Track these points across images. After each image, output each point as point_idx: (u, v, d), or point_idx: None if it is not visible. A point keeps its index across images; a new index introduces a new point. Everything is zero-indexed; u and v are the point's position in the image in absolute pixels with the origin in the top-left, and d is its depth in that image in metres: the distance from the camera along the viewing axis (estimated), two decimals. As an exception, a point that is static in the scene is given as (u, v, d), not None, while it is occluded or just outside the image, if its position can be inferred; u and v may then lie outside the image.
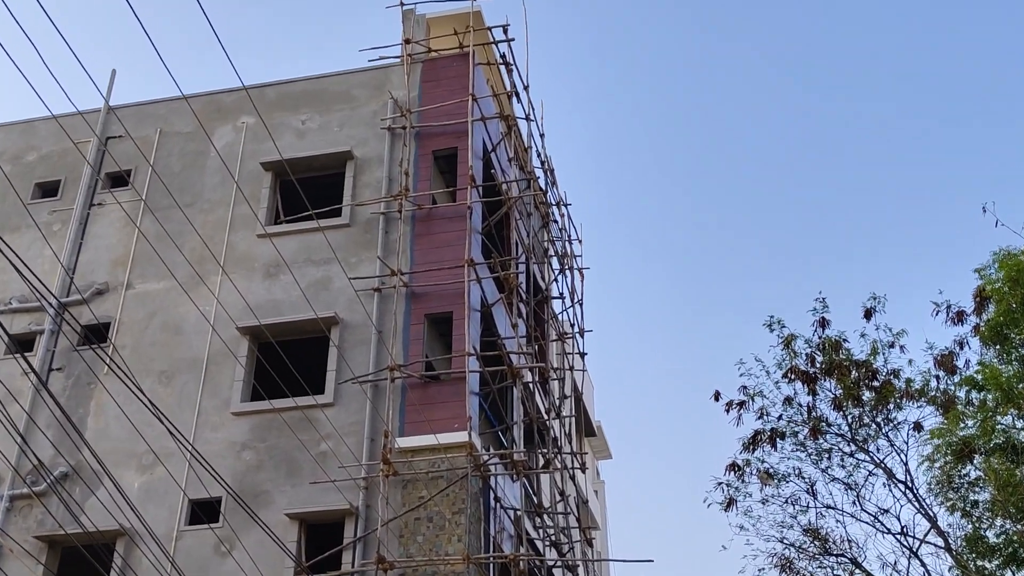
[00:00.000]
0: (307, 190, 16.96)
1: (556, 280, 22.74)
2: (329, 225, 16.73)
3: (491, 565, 14.34)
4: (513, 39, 19.03)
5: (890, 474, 18.03)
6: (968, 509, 17.02)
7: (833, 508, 18.44)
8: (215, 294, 16.05)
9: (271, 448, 15.12)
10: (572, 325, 22.85)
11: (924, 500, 17.68)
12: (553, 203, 23.12)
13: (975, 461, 16.50)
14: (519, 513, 15.73)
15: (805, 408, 18.60)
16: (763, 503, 18.66)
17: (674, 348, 73.20)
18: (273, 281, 16.57)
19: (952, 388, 17.59)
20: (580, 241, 24.58)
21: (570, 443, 22.02)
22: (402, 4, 19.25)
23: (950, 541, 17.20)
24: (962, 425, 16.61)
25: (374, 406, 14.88)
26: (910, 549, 17.72)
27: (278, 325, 15.85)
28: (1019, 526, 15.66)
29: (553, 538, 17.95)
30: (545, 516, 18.25)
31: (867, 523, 18.12)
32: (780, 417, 18.73)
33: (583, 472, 22.17)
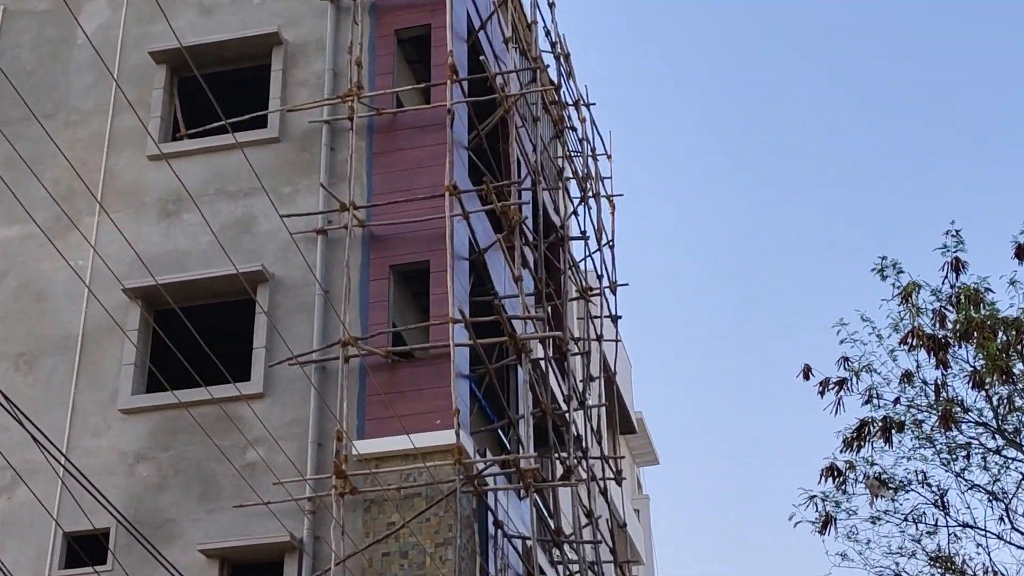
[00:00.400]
0: (217, 91, 16.84)
1: (576, 213, 22.77)
2: (251, 141, 16.73)
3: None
4: None
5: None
6: None
7: (973, 527, 18.55)
8: (91, 242, 16.05)
9: (178, 459, 15.23)
10: (600, 277, 22.89)
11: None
12: (570, 103, 23.07)
13: None
14: (529, 543, 15.87)
15: (932, 387, 18.60)
16: (873, 522, 18.76)
17: (742, 307, 73.55)
18: (173, 223, 16.59)
19: None
20: (609, 157, 24.60)
21: (600, 444, 22.16)
22: None
23: None
24: None
25: (321, 397, 14.95)
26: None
27: (182, 285, 15.89)
28: None
29: (578, 577, 18.13)
30: (566, 546, 18.38)
31: (1022, 547, 18.24)
32: (897, 400, 18.72)
33: (619, 484, 22.31)
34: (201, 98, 16.30)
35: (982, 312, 18.10)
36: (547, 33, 21.97)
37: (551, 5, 21.82)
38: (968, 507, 18.80)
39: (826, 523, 18.36)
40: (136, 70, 17.69)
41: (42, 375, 16.00)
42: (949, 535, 18.57)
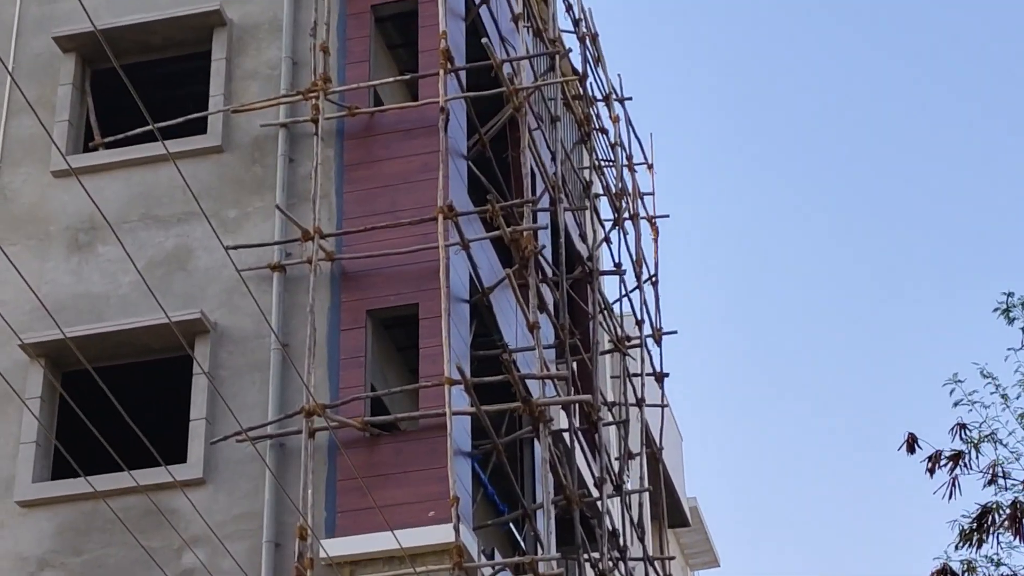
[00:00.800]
0: (143, 88, 16.95)
1: (608, 240, 22.80)
2: (186, 151, 16.80)
3: None
4: None
5: None
6: None
7: None
8: (-21, 284, 16.12)
9: (93, 566, 15.21)
10: (640, 323, 22.89)
11: None
12: (599, 98, 23.15)
13: None
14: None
15: (1075, 463, 18.55)
16: (1001, 642, 18.66)
17: (823, 362, 73.39)
18: (85, 258, 16.66)
19: None
20: (651, 167, 24.67)
21: (643, 541, 22.11)
22: None
23: None
24: None
25: (279, 483, 14.95)
26: None
27: (98, 338, 15.93)
28: None
29: None
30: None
31: None
32: (1030, 481, 18.67)
33: (668, 593, 22.22)
34: (122, 97, 16.40)
35: None
36: (568, 8, 22.10)
37: (573, -28, 21.98)
38: None
39: (939, 643, 18.27)
40: (37, 61, 17.81)
41: (-84, 457, 16.01)
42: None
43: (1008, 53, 69.69)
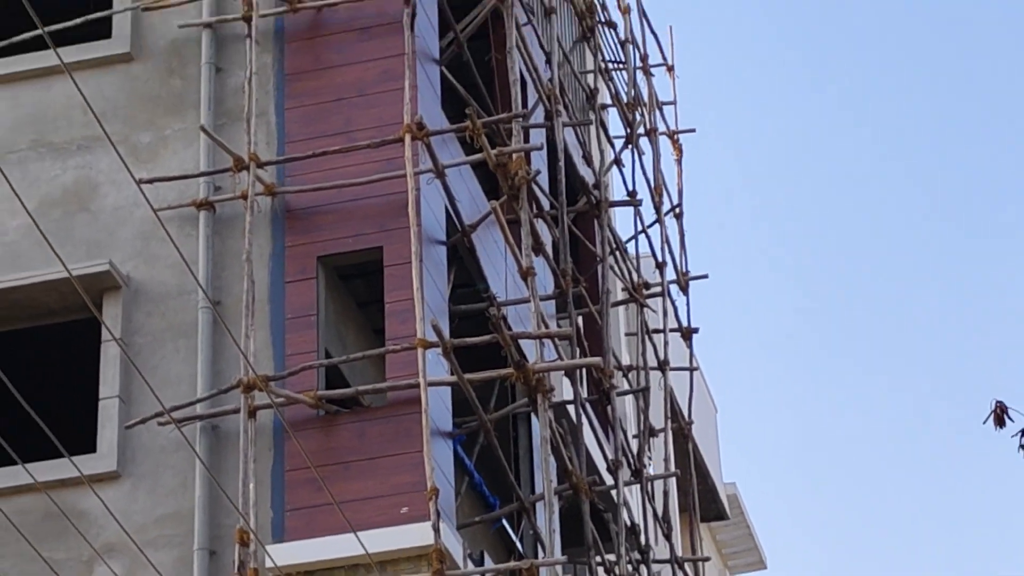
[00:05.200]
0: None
1: (619, 163, 22.76)
2: (87, 61, 16.87)
3: None
4: None
5: None
6: None
7: None
8: None
9: (-17, 582, 15.22)
10: (662, 266, 22.88)
11: None
12: (604, -17, 23.04)
13: None
14: None
15: None
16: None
17: (888, 315, 73.43)
18: (-35, 197, 16.62)
19: None
20: (671, 70, 24.59)
21: (670, 539, 22.17)
22: None
23: None
24: None
25: (212, 476, 14.98)
26: None
27: (-17, 298, 15.97)
28: None
29: None
30: None
31: None
32: None
33: (702, 602, 22.27)
34: (4, -5, 16.37)
35: None
36: None
37: None
38: None
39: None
40: None
41: None
42: None
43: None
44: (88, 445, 15.60)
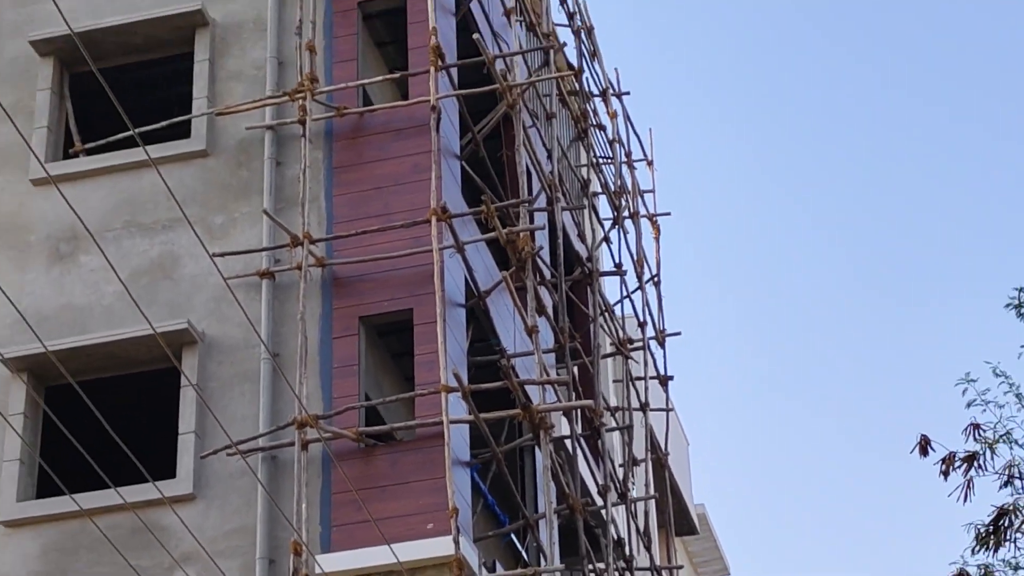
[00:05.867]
0: (123, 92, 17.01)
1: (608, 240, 22.81)
2: (169, 156, 16.83)
3: None
4: None
5: None
6: None
7: None
8: (-41, 298, 16.13)
9: (80, 585, 15.22)
10: (643, 325, 22.89)
11: None
12: (596, 93, 23.16)
13: None
14: None
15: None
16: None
17: (832, 361, 73.40)
18: (67, 268, 16.69)
19: None
20: (650, 163, 24.65)
21: (650, 550, 22.17)
22: None
23: None
24: None
25: (271, 498, 14.98)
26: None
27: (82, 351, 15.95)
28: None
29: None
30: None
31: None
32: (1047, 481, 18.67)
33: (676, 604, 22.23)
34: (102, 101, 16.41)
35: None
36: (562, 1, 22.10)
37: (567, -37, 22.01)
38: None
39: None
40: (14, 66, 17.84)
41: (-102, 477, 16.03)
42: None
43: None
44: (169, 472, 15.59)
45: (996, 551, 18.32)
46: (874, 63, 73.10)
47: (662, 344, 23.31)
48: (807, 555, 70.47)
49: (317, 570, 14.52)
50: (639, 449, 22.74)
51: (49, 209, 16.94)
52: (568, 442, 18.70)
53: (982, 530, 18.36)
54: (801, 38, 75.11)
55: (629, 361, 22.27)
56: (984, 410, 18.78)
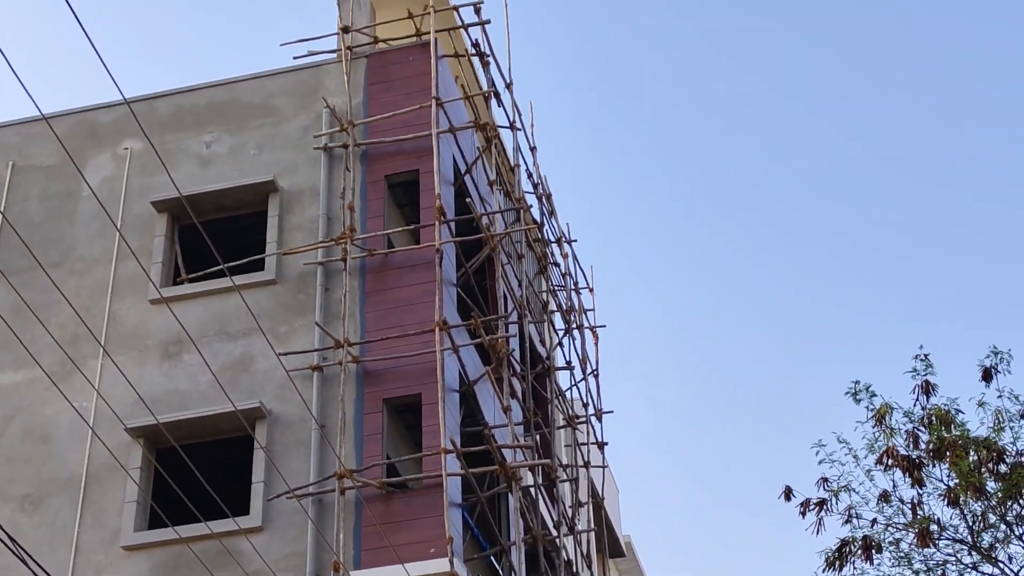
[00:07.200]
0: (216, 238, 16.96)
1: (561, 344, 22.78)
2: (249, 283, 16.77)
3: None
4: (489, 21, 19.18)
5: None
6: None
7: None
8: (95, 385, 15.91)
9: (179, 594, 14.95)
10: (586, 405, 22.80)
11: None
12: (552, 240, 23.20)
13: None
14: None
15: (908, 505, 18.49)
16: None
17: (722, 431, 73.19)
18: (174, 364, 16.54)
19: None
20: (591, 290, 24.67)
21: (591, 568, 21.85)
22: (336, -19, 19.37)
23: None
24: None
25: (318, 529, 14.76)
26: None
27: (183, 423, 15.79)
28: None
29: None
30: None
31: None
32: (875, 521, 18.62)
33: (610, 607, 21.93)
34: (201, 244, 16.40)
35: (953, 432, 18.15)
36: (529, 175, 22.20)
37: (533, 149, 22.09)
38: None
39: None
40: (139, 219, 17.78)
41: (47, 516, 15.78)
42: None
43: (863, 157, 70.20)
44: (244, 510, 15.41)
45: (840, 571, 18.22)
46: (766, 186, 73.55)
47: (600, 419, 23.19)
48: (703, 572, 69.81)
49: (350, 583, 14.29)
50: (583, 495, 22.54)
51: (162, 321, 16.81)
52: (532, 490, 18.53)
53: (830, 555, 18.26)
54: (711, 197, 75.58)
55: (576, 431, 22.16)
56: (831, 467, 18.80)
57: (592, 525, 23.23)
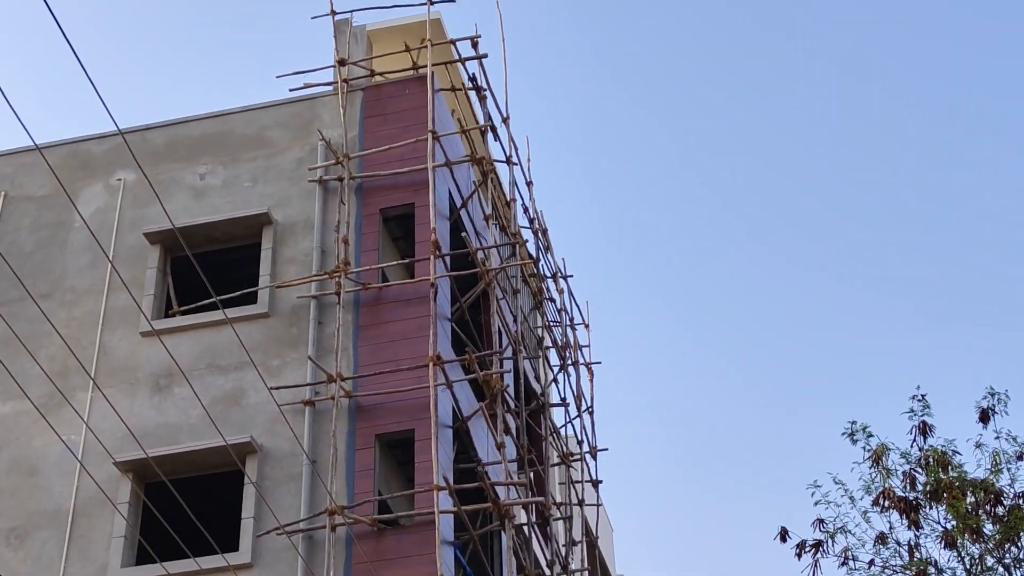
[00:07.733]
0: (209, 270, 16.88)
1: (556, 381, 22.67)
2: (241, 316, 16.69)
3: None
4: (486, 55, 19.21)
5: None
6: None
7: None
8: (84, 418, 15.85)
9: (165, 631, 14.79)
10: (580, 442, 22.68)
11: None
12: (548, 275, 23.15)
13: None
14: None
15: (906, 547, 18.39)
16: None
17: (718, 470, 72.98)
18: (164, 397, 16.44)
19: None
20: (587, 326, 24.56)
21: (583, 607, 21.66)
22: (333, 13, 19.41)
23: None
24: None
25: (308, 566, 14.63)
26: None
27: (173, 458, 15.67)
28: None
29: None
30: None
31: None
32: (872, 563, 18.52)
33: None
34: (193, 276, 16.34)
35: (950, 474, 18.10)
36: (525, 210, 22.18)
37: (529, 184, 22.07)
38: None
39: None
40: (131, 251, 17.72)
41: (33, 550, 15.64)
42: None
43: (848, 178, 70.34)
44: (233, 546, 15.25)
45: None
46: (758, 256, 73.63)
47: (594, 457, 23.02)
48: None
49: (340, 621, 14.14)
50: (577, 533, 22.37)
51: (153, 354, 16.74)
52: (526, 528, 18.39)
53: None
54: (704, 230, 75.67)
55: (570, 469, 22.02)
56: (827, 508, 18.73)
57: (586, 564, 23.06)
